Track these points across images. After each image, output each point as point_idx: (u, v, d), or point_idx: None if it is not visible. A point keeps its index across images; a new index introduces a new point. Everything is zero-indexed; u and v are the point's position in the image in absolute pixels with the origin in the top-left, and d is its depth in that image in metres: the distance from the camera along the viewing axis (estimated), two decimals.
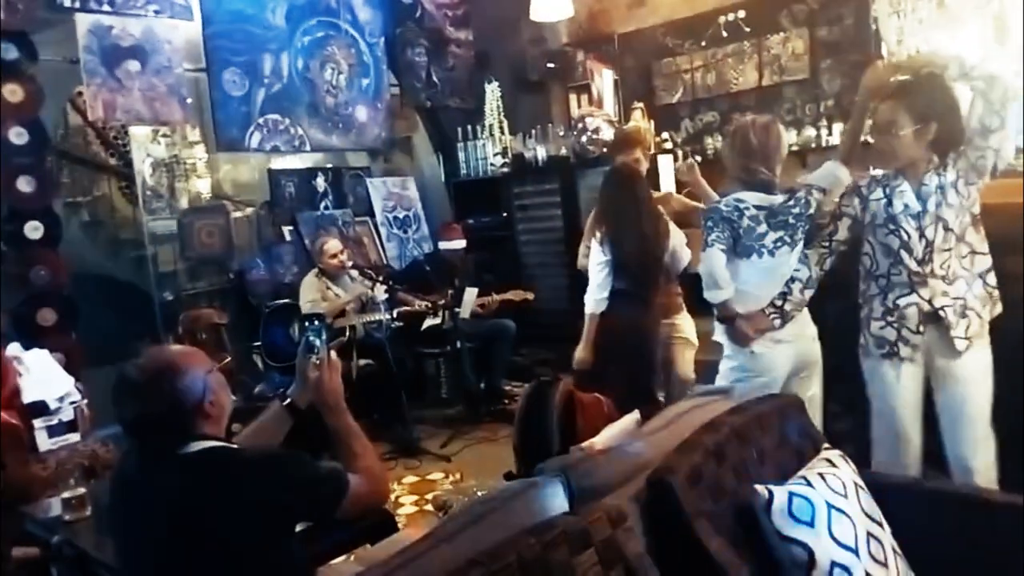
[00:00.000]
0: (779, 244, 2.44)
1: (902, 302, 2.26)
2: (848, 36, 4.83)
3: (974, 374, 2.23)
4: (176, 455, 1.50)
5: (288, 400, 1.82)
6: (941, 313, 2.20)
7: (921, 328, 2.24)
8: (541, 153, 5.63)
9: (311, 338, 1.78)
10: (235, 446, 1.62)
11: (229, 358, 4.01)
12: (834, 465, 1.56)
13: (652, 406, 2.35)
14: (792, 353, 2.51)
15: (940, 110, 2.19)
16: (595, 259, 3.24)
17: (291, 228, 5.12)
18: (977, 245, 2.26)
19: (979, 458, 2.19)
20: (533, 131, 5.75)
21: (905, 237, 2.22)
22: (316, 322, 1.82)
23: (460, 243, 4.97)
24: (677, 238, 3.36)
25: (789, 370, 2.52)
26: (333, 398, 1.75)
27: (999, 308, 2.28)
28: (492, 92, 5.85)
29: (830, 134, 4.80)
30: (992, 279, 2.27)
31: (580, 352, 3.28)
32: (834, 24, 4.91)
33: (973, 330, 2.22)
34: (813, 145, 4.89)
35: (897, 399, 2.30)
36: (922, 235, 2.20)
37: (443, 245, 5.01)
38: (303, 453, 1.60)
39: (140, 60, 4.17)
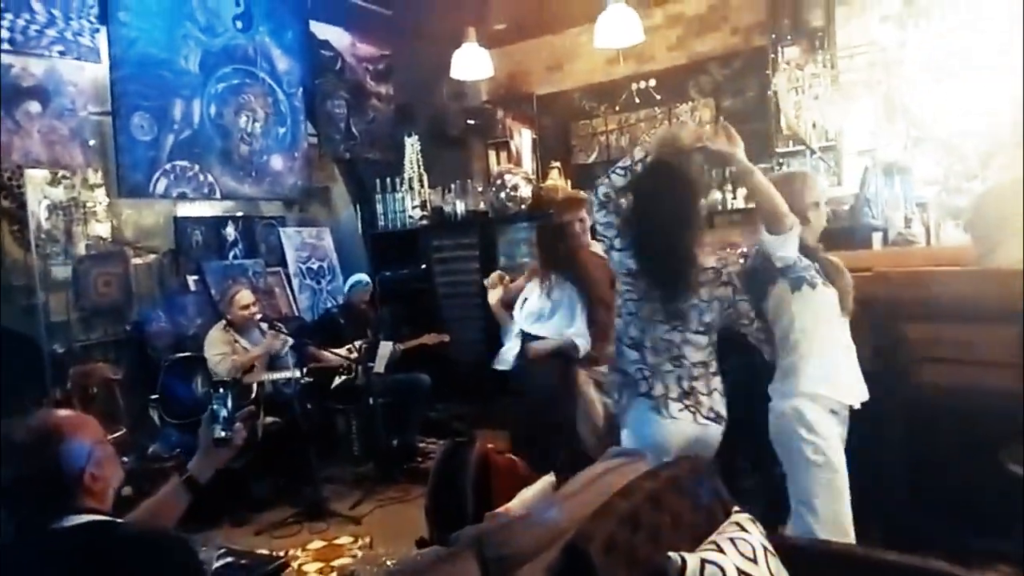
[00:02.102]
0: None
1: None
2: (750, 107, 5.15)
3: None
4: (50, 529, 1.40)
5: (187, 475, 1.70)
6: None
7: None
8: (460, 207, 5.67)
9: (216, 407, 1.69)
10: (118, 521, 1.50)
11: (124, 430, 3.76)
12: (744, 529, 1.58)
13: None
14: None
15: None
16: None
17: (196, 278, 4.91)
18: None
19: None
20: (452, 185, 5.80)
21: None
22: (222, 389, 1.73)
23: None
24: None
25: None
26: None
27: None
28: (412, 146, 5.88)
29: (735, 198, 5.04)
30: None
31: None
32: (737, 96, 5.24)
33: None
34: (720, 208, 5.13)
35: None
36: None
37: None
38: (192, 541, 1.49)
39: (41, 101, 3.98)
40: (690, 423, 2.26)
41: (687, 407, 2.26)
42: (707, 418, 2.28)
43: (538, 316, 3.38)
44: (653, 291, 2.28)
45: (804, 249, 2.23)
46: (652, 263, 2.27)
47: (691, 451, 2.23)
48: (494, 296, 3.54)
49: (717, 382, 2.35)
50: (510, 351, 3.46)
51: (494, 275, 3.62)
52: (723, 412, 2.32)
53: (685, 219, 2.25)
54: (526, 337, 3.40)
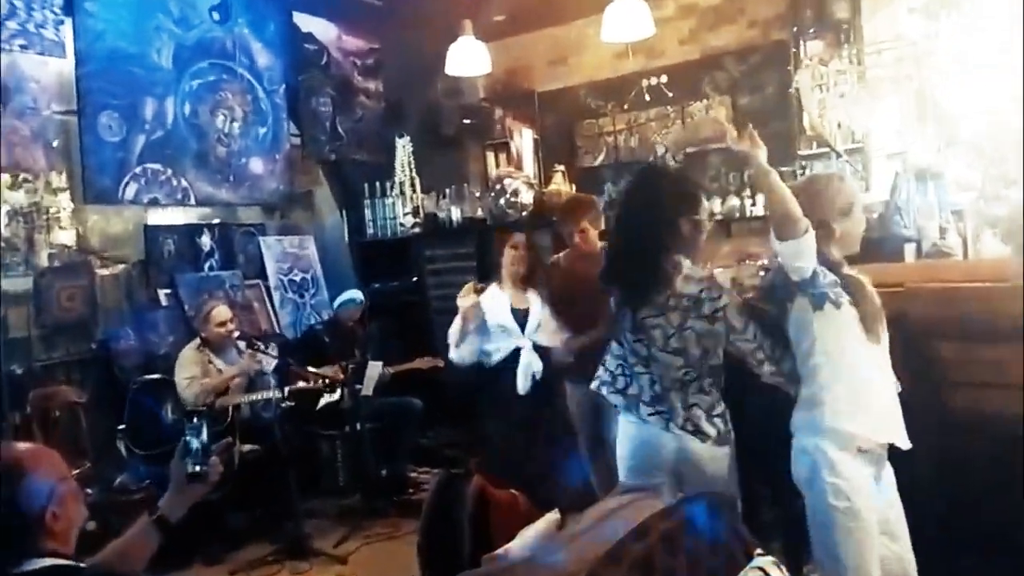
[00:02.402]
0: None
1: None
2: (769, 106, 5.16)
3: None
4: (9, 574, 1.40)
5: (158, 513, 1.69)
6: None
7: None
8: (456, 214, 5.68)
9: (189, 439, 1.68)
10: (81, 565, 1.50)
11: (88, 463, 3.76)
12: (767, 575, 1.57)
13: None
14: None
15: None
16: None
17: (168, 291, 4.91)
18: None
19: None
20: (447, 190, 5.81)
21: None
22: (195, 419, 1.72)
23: None
24: None
25: None
26: None
27: None
28: (403, 147, 5.89)
29: (754, 204, 5.05)
30: None
31: None
32: (755, 93, 5.25)
33: None
34: (737, 215, 5.13)
35: None
36: None
37: None
38: None
39: (0, 100, 3.99)
40: (661, 430, 2.33)
41: (658, 412, 2.35)
42: (683, 429, 2.31)
43: (552, 327, 3.48)
44: (615, 296, 2.46)
45: (827, 262, 2.15)
46: (611, 266, 2.45)
47: (680, 465, 2.32)
48: (466, 302, 3.63)
49: (702, 399, 2.35)
50: (531, 367, 3.56)
51: (467, 286, 3.75)
52: (708, 430, 2.32)
53: (652, 235, 2.34)
54: (543, 352, 3.49)
